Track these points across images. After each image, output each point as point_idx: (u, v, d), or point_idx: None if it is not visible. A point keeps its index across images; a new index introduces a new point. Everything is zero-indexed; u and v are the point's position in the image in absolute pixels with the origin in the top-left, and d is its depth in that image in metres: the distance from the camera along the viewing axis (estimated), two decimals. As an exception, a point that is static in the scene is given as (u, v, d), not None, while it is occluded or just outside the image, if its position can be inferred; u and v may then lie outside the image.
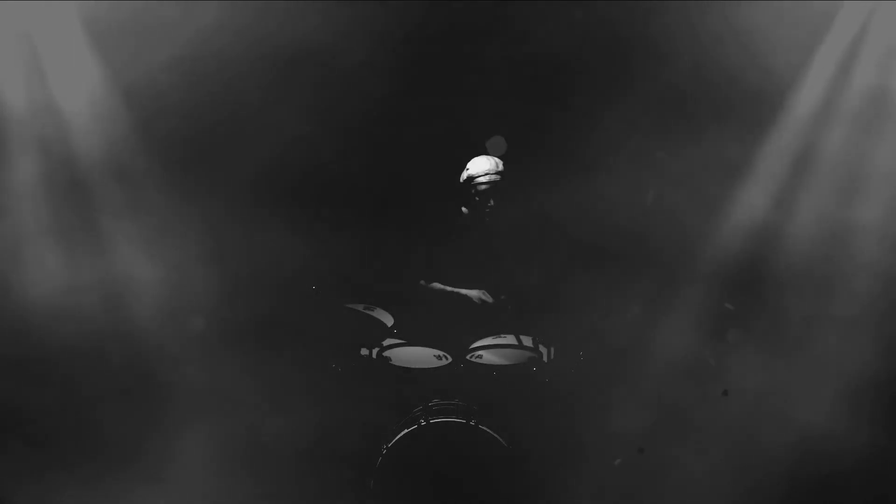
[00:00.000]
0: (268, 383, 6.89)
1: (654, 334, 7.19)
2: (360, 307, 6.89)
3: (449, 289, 7.08)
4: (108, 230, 7.09)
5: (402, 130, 7.54)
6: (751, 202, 7.24)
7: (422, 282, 7.09)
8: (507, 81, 7.50)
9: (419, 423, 6.37)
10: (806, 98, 7.14)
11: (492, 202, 6.98)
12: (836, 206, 7.09)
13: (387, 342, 6.79)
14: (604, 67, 7.39)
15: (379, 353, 6.73)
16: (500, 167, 6.99)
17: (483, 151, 7.14)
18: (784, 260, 7.14)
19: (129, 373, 6.96)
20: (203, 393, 6.93)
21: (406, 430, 6.39)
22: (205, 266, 7.14)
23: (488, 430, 6.37)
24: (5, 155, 6.95)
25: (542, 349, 6.74)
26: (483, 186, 6.97)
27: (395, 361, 6.72)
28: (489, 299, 7.07)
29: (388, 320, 6.90)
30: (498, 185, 6.96)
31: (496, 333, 6.86)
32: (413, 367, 6.70)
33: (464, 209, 7.11)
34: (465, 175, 7.03)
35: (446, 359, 6.73)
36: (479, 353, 6.72)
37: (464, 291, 7.08)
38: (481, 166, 6.99)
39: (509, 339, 6.80)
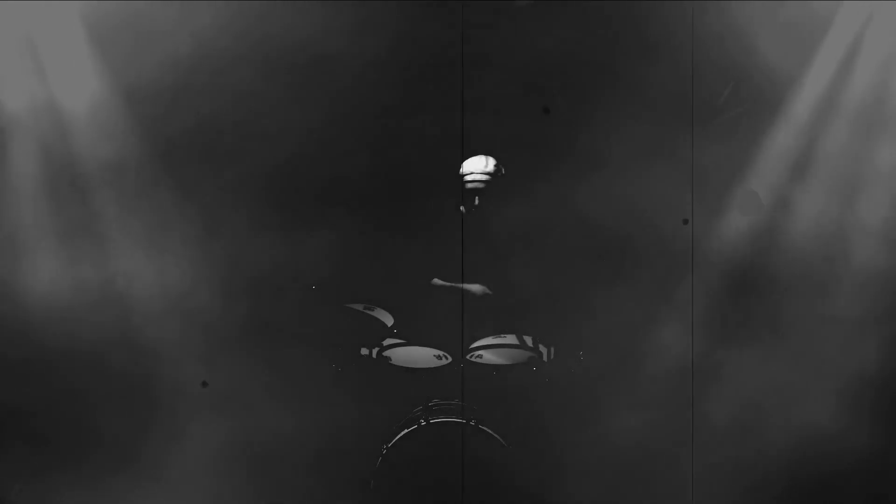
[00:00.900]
0: (267, 383, 6.89)
1: (654, 334, 7.19)
2: (360, 307, 6.89)
3: (449, 284, 7.09)
4: (108, 230, 7.08)
5: (401, 130, 7.54)
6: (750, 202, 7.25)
7: (422, 278, 7.10)
8: (506, 81, 7.49)
9: (419, 423, 6.37)
10: (806, 98, 7.14)
11: (477, 201, 7.00)
12: (836, 206, 7.08)
13: (387, 342, 6.79)
14: (604, 68, 7.38)
15: (379, 353, 6.73)
16: (489, 167, 7.00)
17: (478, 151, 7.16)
18: (784, 260, 7.14)
19: (129, 373, 6.95)
20: (203, 393, 6.93)
21: (406, 430, 6.38)
22: (204, 266, 7.13)
23: (488, 430, 6.37)
24: (5, 155, 6.94)
25: (542, 349, 6.74)
26: (468, 185, 7.01)
27: (395, 361, 6.72)
28: (491, 292, 7.08)
29: (388, 320, 6.90)
30: (485, 186, 6.98)
31: (496, 333, 6.86)
32: (413, 367, 6.71)
33: (461, 208, 7.12)
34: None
35: (446, 359, 6.73)
36: (479, 352, 6.72)
37: (464, 285, 7.08)
38: (468, 165, 7.03)
39: (509, 339, 6.80)
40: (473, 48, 7.44)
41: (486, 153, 7.11)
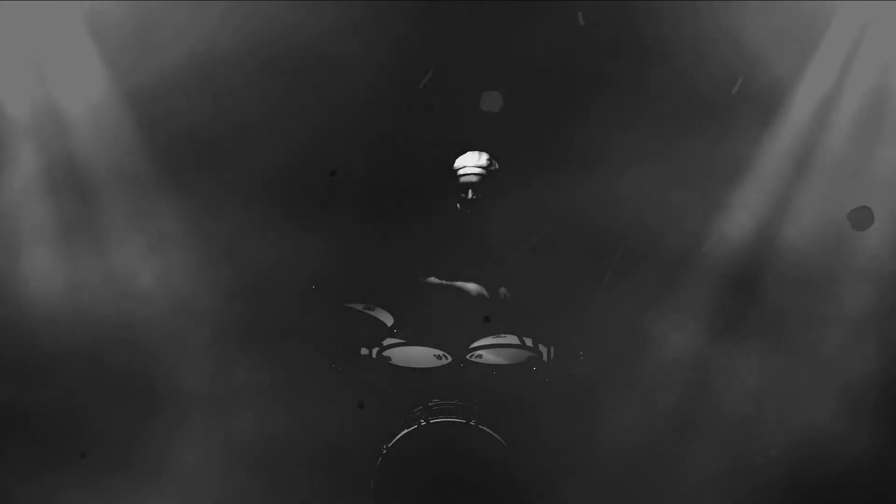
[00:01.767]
0: (267, 383, 6.88)
1: (655, 334, 7.19)
2: (360, 307, 6.89)
3: (446, 283, 7.09)
4: (108, 231, 7.08)
5: (402, 130, 7.55)
6: (750, 202, 7.24)
7: (419, 277, 7.10)
8: (506, 81, 7.50)
9: (419, 423, 6.37)
10: (805, 98, 7.14)
11: (470, 195, 7.00)
12: (836, 206, 7.09)
13: (387, 342, 6.79)
14: (603, 69, 7.39)
15: (379, 353, 6.73)
16: (482, 161, 7.01)
17: (472, 147, 7.16)
18: (784, 260, 7.14)
19: (129, 373, 6.95)
20: (203, 393, 6.93)
21: (406, 430, 6.38)
22: (204, 266, 7.14)
23: (488, 430, 6.37)
24: (7, 156, 6.95)
25: (542, 349, 6.74)
26: (461, 179, 7.02)
27: (395, 361, 6.72)
28: (486, 293, 7.07)
29: (388, 320, 6.90)
30: (478, 180, 6.99)
31: (496, 333, 6.86)
32: (413, 366, 6.70)
33: (458, 205, 7.12)
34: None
35: (446, 359, 6.73)
36: (479, 352, 6.72)
37: (461, 284, 7.08)
38: (462, 160, 7.04)
39: (509, 339, 6.80)
40: (473, 48, 7.45)
41: (485, 151, 7.11)
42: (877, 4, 6.94)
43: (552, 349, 6.75)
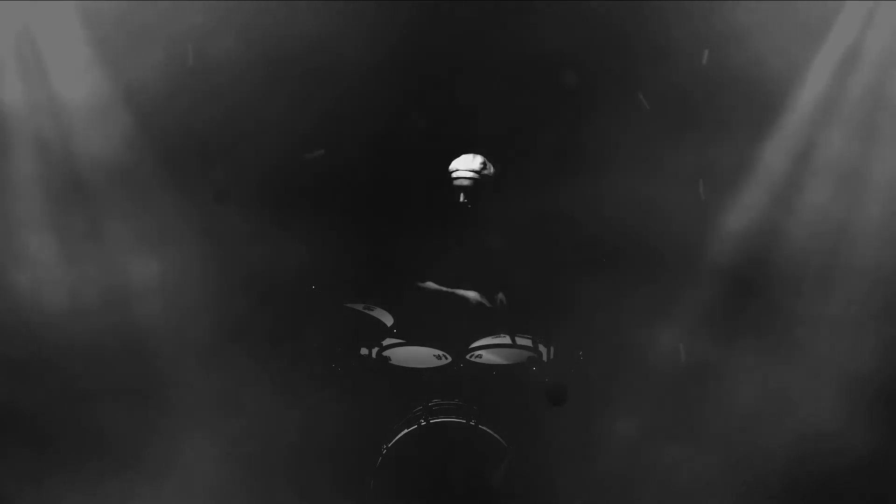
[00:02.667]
0: (267, 383, 6.89)
1: (654, 333, 7.20)
2: (360, 307, 6.89)
3: (445, 290, 7.08)
4: (107, 230, 7.08)
5: (402, 130, 7.55)
6: (751, 202, 7.25)
7: (417, 283, 7.09)
8: (507, 81, 7.49)
9: (419, 423, 6.38)
10: (806, 98, 7.14)
11: (463, 199, 6.98)
12: (836, 206, 7.09)
13: (387, 342, 6.79)
14: (604, 67, 7.39)
15: (379, 353, 6.73)
16: (476, 165, 7.00)
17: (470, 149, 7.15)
18: (784, 260, 7.15)
19: (129, 373, 6.96)
20: (203, 394, 6.94)
21: (406, 430, 6.39)
22: (204, 266, 7.14)
23: (488, 430, 6.37)
24: (5, 153, 6.94)
25: (542, 349, 6.74)
26: (455, 182, 7.00)
27: (394, 361, 6.72)
28: (486, 301, 7.07)
29: (388, 320, 6.90)
30: (472, 184, 6.97)
31: (496, 333, 6.86)
32: (413, 366, 6.71)
33: (453, 208, 7.11)
34: None
35: (446, 359, 6.73)
36: (479, 352, 6.73)
37: (460, 292, 7.08)
38: (456, 163, 7.03)
39: (509, 339, 6.79)
40: (473, 49, 7.45)
41: (486, 153, 7.10)
42: (877, 4, 6.94)
43: (552, 349, 6.75)
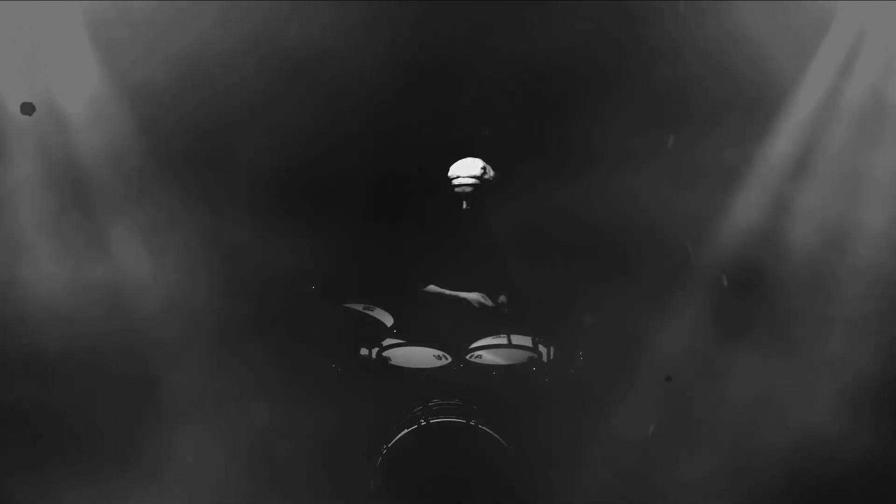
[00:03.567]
0: (267, 383, 6.89)
1: (654, 334, 7.20)
2: (360, 307, 6.88)
3: (448, 292, 7.08)
4: (108, 230, 7.09)
5: (402, 132, 7.56)
6: (751, 203, 7.25)
7: (419, 285, 7.09)
8: (506, 84, 7.50)
9: (419, 423, 6.37)
10: (805, 99, 7.15)
11: (465, 204, 6.96)
12: (836, 207, 7.09)
13: (387, 342, 6.79)
14: (603, 70, 7.40)
15: (379, 353, 6.72)
16: (476, 171, 6.96)
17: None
18: (784, 261, 7.14)
19: (128, 372, 6.96)
20: (202, 393, 6.94)
21: (406, 430, 6.38)
22: (204, 266, 7.14)
23: (488, 430, 6.36)
24: (5, 154, 6.95)
25: (542, 349, 6.73)
26: (456, 189, 6.97)
27: (394, 361, 6.72)
28: (488, 302, 7.07)
29: (388, 320, 6.89)
30: (472, 190, 6.94)
31: (496, 334, 6.86)
32: (413, 366, 6.70)
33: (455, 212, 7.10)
34: None
35: (446, 359, 6.73)
36: (479, 353, 6.72)
37: (462, 294, 7.07)
38: (455, 169, 7.00)
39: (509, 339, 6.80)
40: (473, 49, 7.46)
41: (485, 154, 7.09)
42: (877, 5, 6.94)
43: (552, 349, 6.75)
